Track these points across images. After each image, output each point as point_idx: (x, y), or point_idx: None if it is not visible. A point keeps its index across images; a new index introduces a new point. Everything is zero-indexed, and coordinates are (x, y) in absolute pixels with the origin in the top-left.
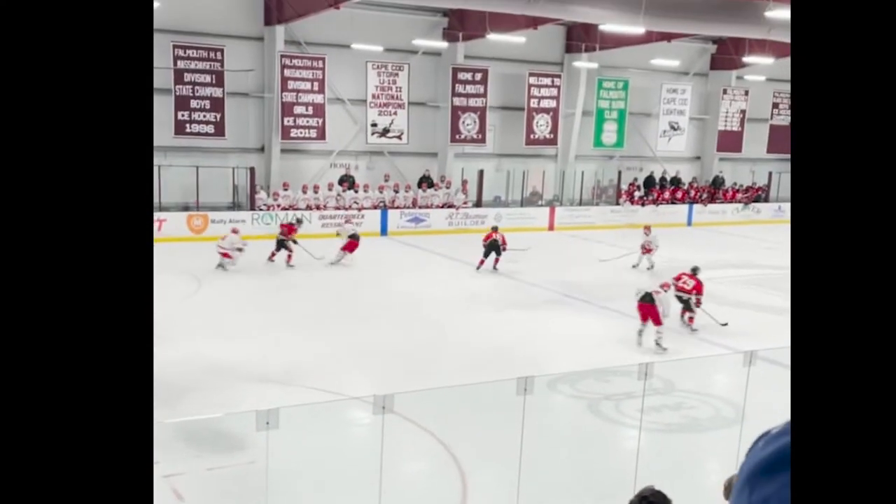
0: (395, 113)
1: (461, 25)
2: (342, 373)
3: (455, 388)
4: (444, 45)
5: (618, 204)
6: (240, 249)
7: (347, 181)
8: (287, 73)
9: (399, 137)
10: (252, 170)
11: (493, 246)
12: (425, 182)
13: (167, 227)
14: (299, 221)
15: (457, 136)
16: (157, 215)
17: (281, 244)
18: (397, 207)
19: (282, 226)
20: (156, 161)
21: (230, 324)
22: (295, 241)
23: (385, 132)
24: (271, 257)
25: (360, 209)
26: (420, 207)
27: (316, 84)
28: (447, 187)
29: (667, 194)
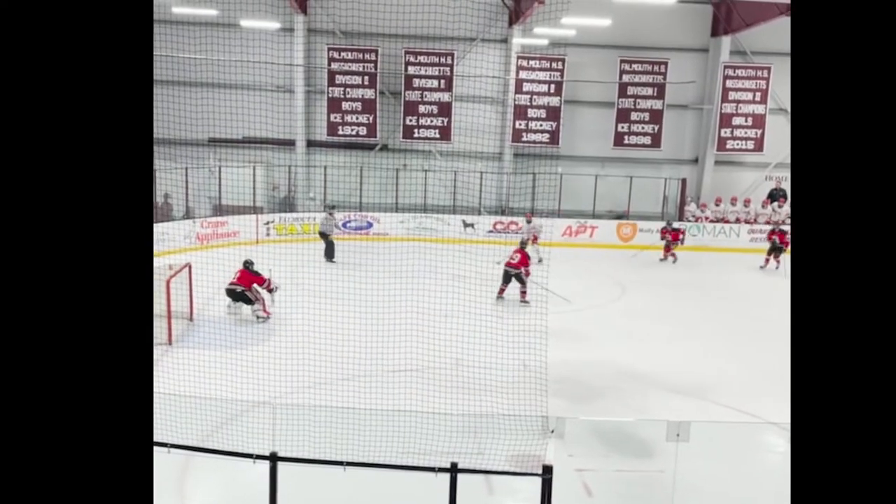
0: None
1: None
2: (755, 393)
3: None
4: None
5: None
6: None
7: (782, 195)
8: (729, 83)
9: None
10: (684, 181)
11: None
12: None
13: (598, 233)
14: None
15: None
16: (589, 222)
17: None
18: None
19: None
20: (592, 171)
21: (645, 331)
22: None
23: None
24: None
25: None
26: None
27: (758, 94)
28: None
29: None
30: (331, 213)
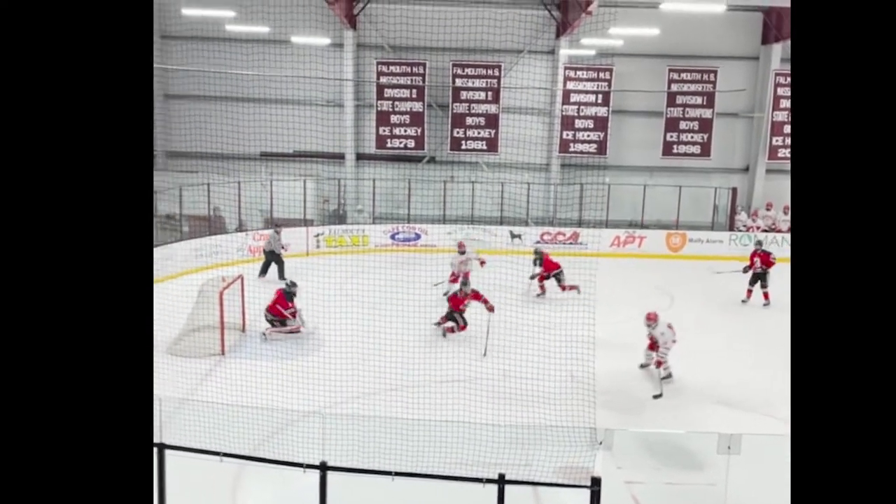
0: None
1: None
2: None
3: None
4: None
5: None
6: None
7: None
8: (780, 91)
9: None
10: (734, 190)
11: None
12: None
13: (647, 243)
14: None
15: None
16: (637, 232)
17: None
18: None
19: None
20: (640, 181)
21: (694, 342)
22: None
23: None
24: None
25: None
26: None
27: None
28: None
29: None
30: (277, 231)
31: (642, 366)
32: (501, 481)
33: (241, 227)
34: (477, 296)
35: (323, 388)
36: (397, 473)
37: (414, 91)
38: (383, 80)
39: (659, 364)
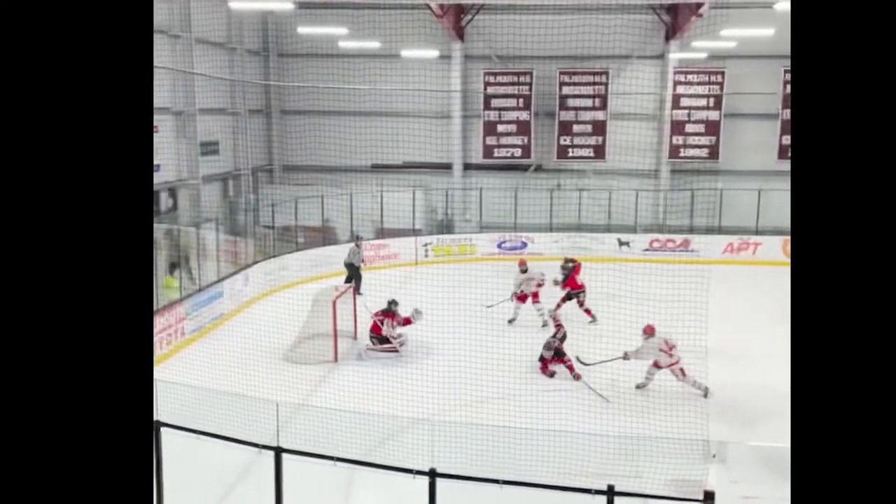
0: None
1: None
2: None
3: None
4: None
5: None
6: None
7: None
8: None
9: None
10: None
11: None
12: None
13: (762, 250)
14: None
15: None
16: (751, 239)
17: None
18: None
19: None
20: (755, 186)
21: None
22: None
23: None
24: None
25: None
26: None
27: None
28: None
29: None
30: (358, 245)
31: (638, 386)
32: (611, 492)
33: (352, 238)
34: (562, 360)
35: (431, 396)
36: (506, 482)
37: (521, 100)
38: (490, 90)
39: (656, 371)
